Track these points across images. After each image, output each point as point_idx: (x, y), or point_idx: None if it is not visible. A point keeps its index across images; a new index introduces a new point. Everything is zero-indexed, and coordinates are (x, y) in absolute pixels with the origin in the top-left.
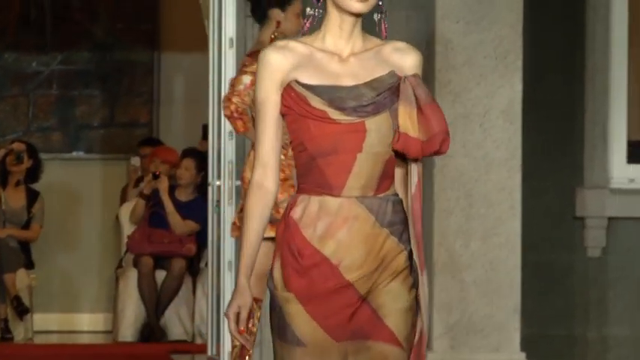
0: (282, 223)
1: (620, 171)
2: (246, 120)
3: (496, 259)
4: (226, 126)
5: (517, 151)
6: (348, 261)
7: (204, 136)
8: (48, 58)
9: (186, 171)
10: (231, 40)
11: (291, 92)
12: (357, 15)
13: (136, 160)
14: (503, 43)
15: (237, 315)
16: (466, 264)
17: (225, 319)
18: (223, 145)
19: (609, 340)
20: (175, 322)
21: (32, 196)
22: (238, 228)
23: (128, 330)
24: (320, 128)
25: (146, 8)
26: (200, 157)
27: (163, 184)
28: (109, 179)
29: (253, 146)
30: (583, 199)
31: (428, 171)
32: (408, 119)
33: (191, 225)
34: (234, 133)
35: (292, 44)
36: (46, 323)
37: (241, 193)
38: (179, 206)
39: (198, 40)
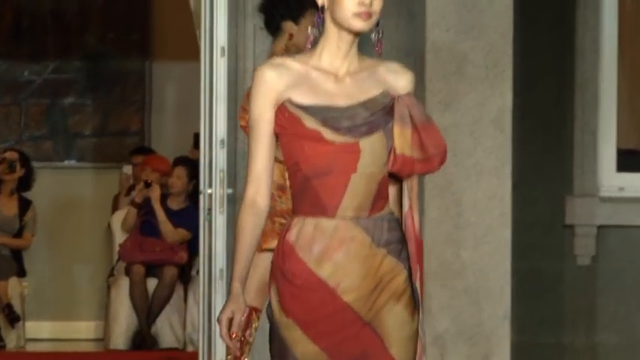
0: (277, 248)
1: (610, 179)
2: None
3: (486, 266)
4: (218, 134)
5: (507, 160)
6: (345, 283)
7: (196, 145)
8: (40, 67)
9: (178, 179)
10: (222, 48)
11: (284, 112)
12: (356, 33)
13: (127, 169)
14: (494, 52)
15: (230, 320)
16: (456, 272)
17: (217, 326)
18: (215, 153)
19: (598, 348)
20: (167, 330)
21: (24, 205)
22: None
23: (120, 338)
24: (314, 148)
25: (138, 17)
26: (191, 166)
27: (155, 193)
28: (101, 188)
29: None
30: (573, 208)
31: (419, 179)
32: (403, 139)
33: (182, 233)
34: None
35: (288, 62)
36: (38, 331)
37: None
38: (171, 214)
39: (189, 49)
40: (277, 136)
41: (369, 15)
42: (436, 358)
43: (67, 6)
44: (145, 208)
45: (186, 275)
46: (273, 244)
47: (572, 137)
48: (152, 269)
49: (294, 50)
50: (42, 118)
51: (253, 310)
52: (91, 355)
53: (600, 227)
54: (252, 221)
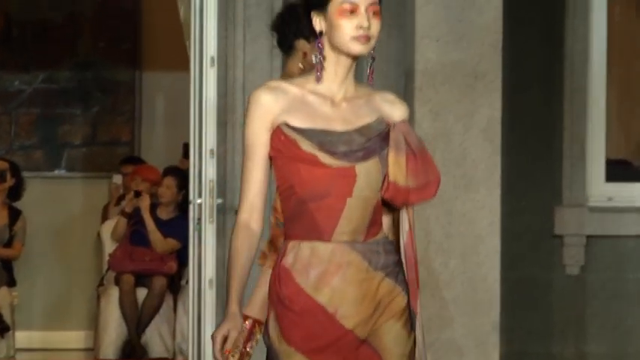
0: (272, 274)
1: (599, 189)
2: None
3: (475, 276)
4: (207, 144)
5: (496, 170)
6: (344, 309)
7: (185, 155)
8: (30, 76)
9: (168, 189)
10: (212, 59)
11: (280, 135)
12: (354, 58)
13: (117, 178)
14: (483, 62)
15: (225, 338)
16: (445, 282)
17: (207, 336)
18: (204, 163)
19: (587, 358)
20: (156, 339)
21: (14, 215)
22: (265, 256)
23: (109, 348)
24: (310, 172)
25: (128, 28)
26: (181, 176)
27: (145, 203)
28: (91, 197)
29: None
30: (562, 218)
31: None
32: (397, 167)
33: (172, 243)
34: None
35: (285, 86)
36: (28, 341)
37: (272, 224)
38: (160, 224)
39: (179, 60)
40: (271, 159)
41: (367, 38)
42: None
43: (58, 16)
44: (134, 218)
45: (175, 285)
46: None
47: (561, 147)
48: (142, 279)
49: (309, 69)
50: (32, 128)
51: (256, 323)
52: None
53: (589, 237)
54: (246, 244)
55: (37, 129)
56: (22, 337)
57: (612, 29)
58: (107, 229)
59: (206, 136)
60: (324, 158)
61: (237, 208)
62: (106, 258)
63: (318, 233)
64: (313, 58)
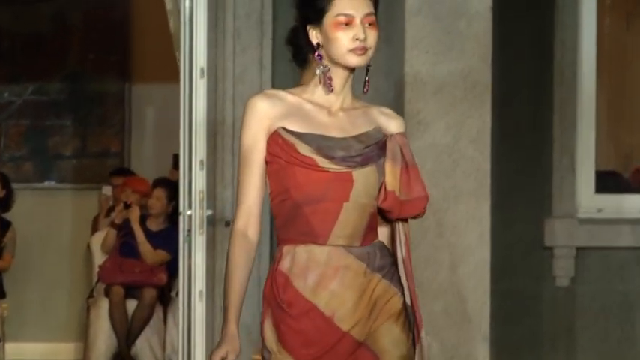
0: (268, 279)
1: (589, 201)
2: None
3: (465, 288)
4: (197, 155)
5: (486, 181)
6: (341, 312)
7: (175, 166)
8: (20, 88)
9: (158, 201)
10: (202, 70)
11: (277, 139)
12: (351, 69)
13: (107, 190)
14: (472, 74)
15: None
16: (435, 293)
17: (197, 348)
18: (194, 174)
19: None
20: (146, 351)
21: (4, 226)
22: None
23: (99, 359)
24: (307, 176)
25: (117, 39)
26: (171, 187)
27: (134, 214)
28: (81, 209)
29: None
30: (552, 229)
31: None
32: (393, 178)
33: (162, 254)
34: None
35: (282, 93)
36: (18, 352)
37: None
38: (150, 236)
39: (168, 71)
40: (266, 164)
41: (364, 50)
42: None
43: (48, 28)
44: (124, 230)
45: (165, 296)
46: None
47: (551, 159)
48: (131, 290)
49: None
50: (22, 140)
51: None
52: None
53: (579, 248)
54: (244, 253)
55: (26, 140)
56: (12, 349)
57: (602, 41)
58: (97, 240)
59: (196, 147)
60: (322, 162)
61: (234, 216)
62: (96, 269)
63: (313, 237)
64: (316, 71)
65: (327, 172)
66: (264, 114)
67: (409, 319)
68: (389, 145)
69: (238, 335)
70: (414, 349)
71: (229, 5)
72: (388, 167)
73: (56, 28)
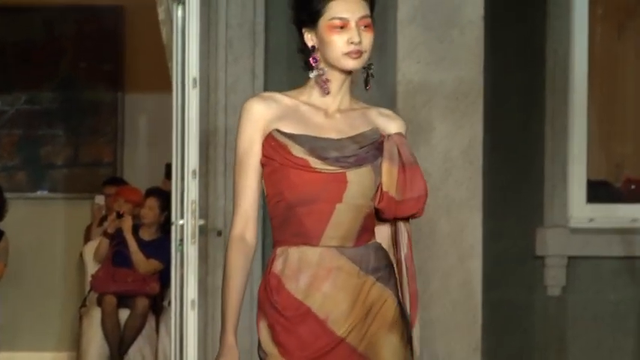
0: (262, 281)
1: (580, 210)
2: None
3: (457, 298)
4: (190, 165)
5: (478, 191)
6: (335, 315)
7: (168, 176)
8: (12, 98)
9: (150, 210)
10: (194, 80)
11: (271, 141)
12: (348, 72)
13: (100, 199)
14: (465, 83)
15: None
16: (427, 303)
17: (189, 357)
18: (186, 184)
19: None
20: None
21: None
22: None
23: None
24: (300, 177)
25: (110, 49)
26: (163, 197)
27: (127, 224)
28: (73, 218)
29: None
30: (543, 239)
31: None
32: (390, 178)
33: (154, 264)
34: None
35: (277, 96)
36: None
37: None
38: (143, 245)
39: (161, 81)
40: (262, 167)
41: (359, 53)
42: None
43: (40, 37)
44: (117, 239)
45: (158, 306)
46: None
47: (543, 168)
48: (124, 300)
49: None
50: (14, 149)
51: None
52: None
53: (571, 258)
54: (242, 258)
55: (19, 150)
56: (5, 358)
57: (593, 50)
58: (89, 250)
59: (188, 157)
60: (315, 163)
61: (231, 220)
62: (89, 279)
63: (306, 238)
64: (310, 74)
65: (320, 172)
66: (260, 117)
67: (406, 322)
68: (386, 145)
69: (236, 345)
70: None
71: (222, 15)
72: (385, 167)
73: (48, 38)
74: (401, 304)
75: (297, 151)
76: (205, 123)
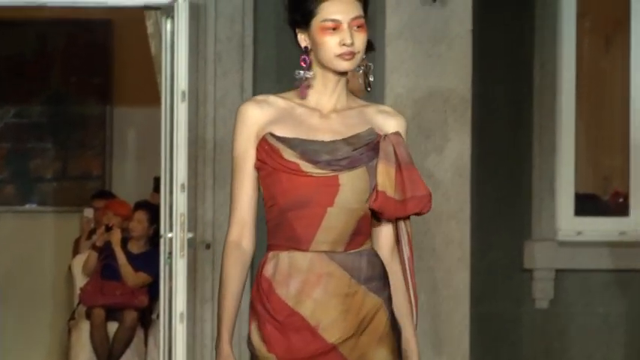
0: (254, 284)
1: (568, 223)
2: None
3: (445, 310)
4: (178, 178)
5: (466, 204)
6: (326, 322)
7: (156, 189)
8: (1, 111)
9: (139, 223)
10: (183, 93)
11: (265, 145)
12: (342, 73)
13: (89, 212)
14: (453, 97)
15: None
16: None
17: None
18: (175, 197)
19: None
20: None
21: None
22: None
23: None
24: (291, 181)
25: (99, 62)
26: (152, 210)
27: (116, 237)
28: (62, 231)
29: None
30: (531, 252)
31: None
32: (386, 178)
33: (143, 277)
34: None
35: (272, 99)
36: None
37: None
38: (131, 258)
39: (150, 94)
40: (257, 171)
41: (352, 54)
42: None
43: (29, 50)
44: (105, 252)
45: (146, 319)
46: None
47: (531, 181)
48: (113, 313)
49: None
50: (3, 162)
51: None
52: None
53: (558, 271)
54: (239, 265)
55: (8, 163)
56: None
57: (581, 64)
58: (78, 263)
59: (177, 170)
60: (306, 167)
61: (228, 226)
62: (77, 292)
63: (296, 242)
64: (296, 74)
65: (312, 176)
66: (254, 120)
67: (397, 334)
68: (382, 146)
69: (232, 354)
70: None
71: (210, 29)
72: (381, 167)
73: (38, 51)
74: (393, 316)
75: (289, 154)
76: (194, 136)
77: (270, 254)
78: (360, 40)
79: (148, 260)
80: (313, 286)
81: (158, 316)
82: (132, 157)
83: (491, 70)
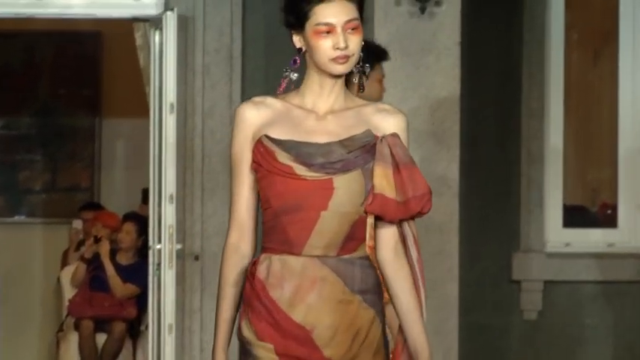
0: (246, 284)
1: (556, 235)
2: None
3: (434, 321)
4: (167, 190)
5: (454, 216)
6: (320, 329)
7: (145, 200)
8: None
9: (127, 235)
10: (171, 105)
11: (260, 147)
12: (337, 76)
13: (77, 224)
14: (441, 108)
15: None
16: None
17: None
18: (164, 209)
19: None
20: None
21: None
22: None
23: None
24: (285, 184)
25: (88, 74)
26: (141, 221)
27: (104, 248)
28: (51, 243)
29: None
30: (519, 263)
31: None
32: (384, 179)
33: (131, 288)
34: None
35: (269, 100)
36: None
37: None
38: (120, 269)
39: (138, 106)
40: (254, 172)
41: (346, 58)
42: None
43: (18, 62)
44: (94, 264)
45: (135, 330)
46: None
47: (519, 193)
48: (101, 324)
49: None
50: None
51: None
52: None
53: (547, 282)
54: (237, 269)
55: None
56: None
57: (569, 75)
58: (67, 274)
59: (165, 181)
60: (299, 170)
61: (227, 229)
62: (66, 303)
63: (289, 246)
64: (284, 73)
65: (305, 180)
66: (250, 122)
67: (387, 342)
68: (378, 148)
69: None
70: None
71: (199, 41)
72: (378, 169)
73: (27, 63)
74: (384, 326)
75: (283, 157)
76: (182, 148)
77: (262, 257)
78: (354, 42)
79: (137, 271)
80: (307, 290)
81: (147, 328)
82: (121, 168)
83: (479, 81)
